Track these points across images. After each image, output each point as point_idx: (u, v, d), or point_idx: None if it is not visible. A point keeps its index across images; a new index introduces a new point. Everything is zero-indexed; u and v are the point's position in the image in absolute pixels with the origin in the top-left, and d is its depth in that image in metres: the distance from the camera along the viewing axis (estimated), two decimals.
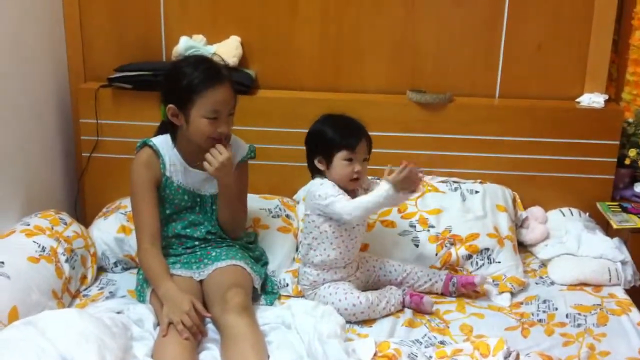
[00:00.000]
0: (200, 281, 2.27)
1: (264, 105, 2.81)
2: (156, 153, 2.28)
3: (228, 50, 2.83)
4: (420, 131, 2.82)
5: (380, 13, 2.86)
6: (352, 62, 2.92)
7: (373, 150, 2.36)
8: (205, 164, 2.22)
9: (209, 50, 2.81)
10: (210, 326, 2.16)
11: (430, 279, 2.43)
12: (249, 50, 2.91)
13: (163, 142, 2.30)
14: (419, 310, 2.32)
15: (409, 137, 2.82)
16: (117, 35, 2.91)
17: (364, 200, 2.23)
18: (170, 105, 2.22)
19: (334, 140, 2.29)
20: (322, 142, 2.32)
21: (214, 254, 2.34)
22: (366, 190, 2.39)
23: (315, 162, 2.32)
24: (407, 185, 2.22)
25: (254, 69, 2.92)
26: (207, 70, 2.19)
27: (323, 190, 2.28)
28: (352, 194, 2.34)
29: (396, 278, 2.42)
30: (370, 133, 2.35)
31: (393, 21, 2.87)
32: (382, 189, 2.21)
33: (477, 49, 2.88)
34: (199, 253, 2.34)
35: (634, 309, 2.32)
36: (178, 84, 2.19)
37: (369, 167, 2.36)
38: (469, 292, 2.41)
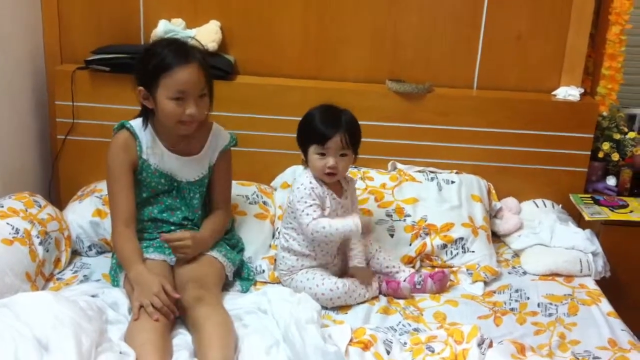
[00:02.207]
0: (172, 266, 2.26)
1: (243, 92, 2.80)
2: (133, 135, 2.25)
3: (207, 35, 2.81)
4: (399, 121, 2.84)
5: (362, 1, 2.86)
6: (332, 50, 2.92)
7: None
8: (180, 256, 2.23)
9: (188, 34, 2.79)
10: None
11: (393, 268, 2.43)
12: (229, 35, 2.89)
13: (141, 124, 2.28)
14: (396, 296, 2.34)
15: (388, 126, 2.84)
16: (95, 17, 2.87)
17: (329, 226, 2.25)
18: (140, 88, 2.19)
19: (307, 132, 2.29)
20: (301, 132, 2.33)
21: None
22: (348, 183, 2.40)
23: (301, 151, 2.33)
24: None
25: (233, 54, 2.91)
26: (174, 51, 2.15)
27: (299, 194, 2.29)
28: (334, 186, 2.34)
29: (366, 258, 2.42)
30: None
31: (374, 10, 2.87)
32: (351, 224, 2.25)
33: (457, 40, 2.90)
34: None
35: (604, 300, 2.37)
36: (146, 66, 2.16)
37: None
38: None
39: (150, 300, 2.02)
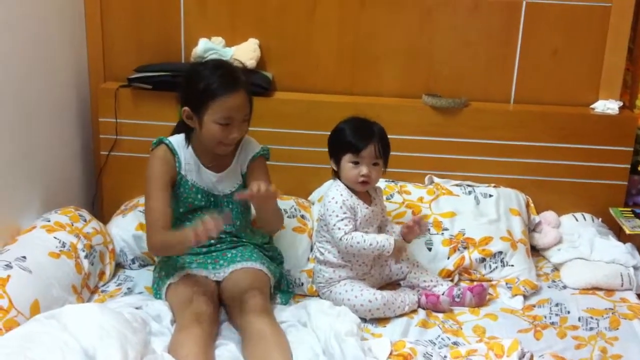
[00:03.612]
0: (217, 283, 2.29)
1: (281, 107, 2.84)
2: (172, 151, 2.30)
3: (246, 53, 2.86)
4: (435, 135, 2.85)
5: (396, 19, 2.88)
6: (367, 66, 2.95)
7: None
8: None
9: (227, 52, 2.85)
10: (225, 324, 2.21)
11: (431, 282, 2.44)
12: (266, 52, 2.94)
13: (179, 140, 2.32)
14: (436, 309, 2.35)
15: (424, 140, 2.85)
16: (137, 36, 2.94)
17: (363, 241, 2.28)
18: (185, 108, 2.24)
19: (341, 142, 2.34)
20: (333, 143, 2.38)
21: (229, 255, 2.36)
22: (375, 191, 2.43)
23: (331, 162, 2.37)
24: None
25: (271, 71, 2.96)
26: (223, 76, 2.19)
27: (331, 207, 2.32)
28: (363, 195, 2.38)
29: (402, 271, 2.45)
30: None
31: (408, 27, 2.89)
32: (385, 242, 2.28)
33: (493, 55, 2.90)
34: (214, 254, 2.37)
35: None
36: (194, 88, 2.21)
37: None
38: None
39: (202, 221, 2.02)
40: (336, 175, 2.39)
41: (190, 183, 2.32)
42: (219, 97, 2.17)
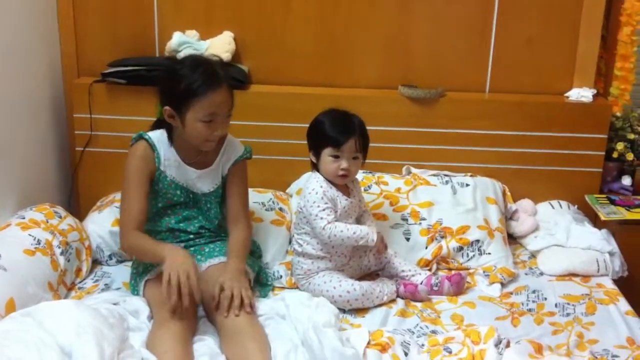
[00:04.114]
0: None
1: (257, 100, 2.83)
2: (152, 147, 2.28)
3: (221, 46, 2.85)
4: (412, 125, 2.86)
5: (373, 9, 2.88)
6: (344, 57, 2.95)
7: None
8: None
9: (202, 45, 2.83)
10: (203, 319, 2.20)
11: (409, 271, 2.45)
12: (242, 45, 2.93)
13: (159, 136, 2.30)
14: (414, 298, 2.35)
15: (401, 131, 2.86)
16: (111, 31, 2.92)
17: (347, 229, 2.29)
18: (167, 107, 2.21)
19: (321, 135, 2.33)
20: (313, 136, 2.37)
21: (207, 249, 2.36)
22: (353, 183, 2.43)
23: (310, 154, 2.36)
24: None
25: (246, 64, 2.95)
26: (204, 74, 2.16)
27: (312, 198, 2.32)
28: (342, 187, 2.38)
29: (381, 262, 2.46)
30: None
31: (385, 17, 2.89)
32: (369, 231, 2.31)
33: (468, 45, 2.91)
34: (192, 249, 2.35)
35: (622, 299, 2.36)
36: (175, 87, 2.17)
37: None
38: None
39: (179, 274, 2.02)
40: (315, 167, 2.39)
41: (169, 179, 2.30)
42: (201, 96, 2.15)
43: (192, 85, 2.15)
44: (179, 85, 2.16)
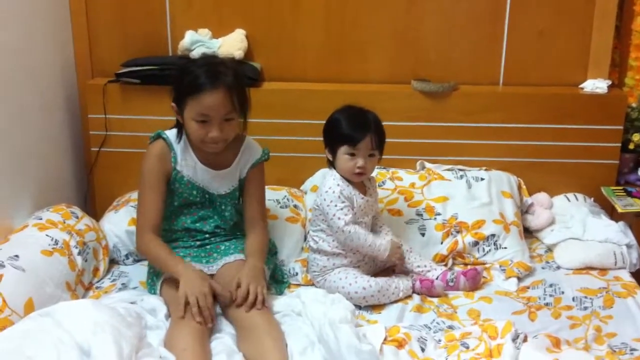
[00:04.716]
0: (212, 276, 2.28)
1: (270, 98, 2.83)
2: (169, 146, 2.29)
3: (233, 44, 2.86)
4: (425, 120, 2.85)
5: (382, 5, 2.88)
6: (355, 53, 2.94)
7: None
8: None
9: (214, 44, 2.84)
10: (220, 317, 2.20)
11: (425, 267, 2.44)
12: (253, 43, 2.93)
13: (176, 135, 2.31)
14: (431, 294, 2.35)
15: (414, 126, 2.85)
16: (123, 31, 2.93)
17: (362, 240, 2.30)
18: (172, 104, 2.23)
19: (337, 133, 2.32)
20: (328, 133, 2.37)
21: (222, 247, 2.37)
22: (370, 181, 2.43)
23: (326, 151, 2.36)
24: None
25: (259, 61, 2.95)
26: (203, 74, 2.16)
27: (329, 197, 2.32)
28: (359, 185, 2.38)
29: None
30: None
31: (395, 12, 2.88)
32: (382, 248, 2.32)
33: (481, 37, 2.90)
34: (208, 247, 2.37)
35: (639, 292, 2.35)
36: (177, 84, 2.20)
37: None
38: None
39: (198, 298, 2.04)
40: (331, 164, 2.39)
41: (186, 179, 2.31)
42: (195, 94, 2.15)
43: (191, 83, 2.16)
44: (181, 82, 2.19)
